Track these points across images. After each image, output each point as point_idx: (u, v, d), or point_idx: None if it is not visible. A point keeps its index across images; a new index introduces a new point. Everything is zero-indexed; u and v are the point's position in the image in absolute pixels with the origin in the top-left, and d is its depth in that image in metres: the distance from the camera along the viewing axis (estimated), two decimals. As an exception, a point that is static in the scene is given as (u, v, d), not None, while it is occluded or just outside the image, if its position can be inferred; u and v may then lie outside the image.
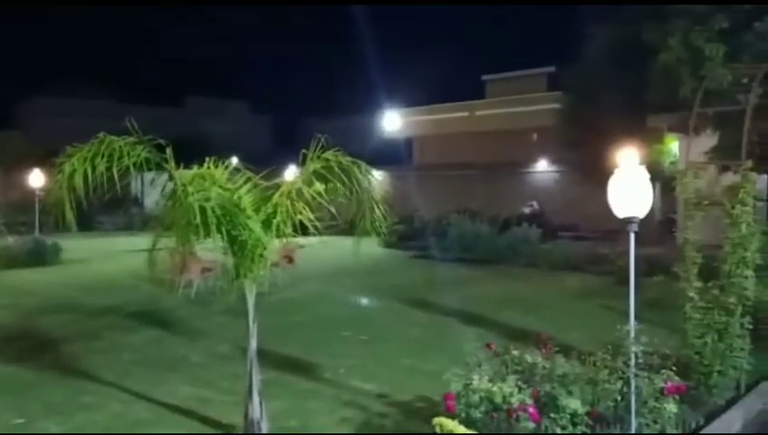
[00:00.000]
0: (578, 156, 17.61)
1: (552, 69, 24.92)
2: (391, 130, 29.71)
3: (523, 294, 11.73)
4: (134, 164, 4.43)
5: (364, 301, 11.25)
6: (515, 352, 4.93)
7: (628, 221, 4.52)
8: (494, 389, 4.00)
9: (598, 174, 18.15)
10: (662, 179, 11.54)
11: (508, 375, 4.41)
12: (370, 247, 19.52)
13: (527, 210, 22.30)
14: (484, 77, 28.38)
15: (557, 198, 22.88)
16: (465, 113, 27.36)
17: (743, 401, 5.67)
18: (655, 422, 4.52)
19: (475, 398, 4.05)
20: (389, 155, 30.12)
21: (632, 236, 4.59)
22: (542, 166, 24.74)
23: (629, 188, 4.43)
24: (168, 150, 4.51)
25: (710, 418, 5.33)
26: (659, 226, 15.45)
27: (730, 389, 5.84)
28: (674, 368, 4.74)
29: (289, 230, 4.84)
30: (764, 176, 15.82)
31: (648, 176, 4.52)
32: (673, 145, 17.20)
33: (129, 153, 4.40)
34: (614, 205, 4.51)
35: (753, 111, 9.45)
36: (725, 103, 8.98)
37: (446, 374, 4.49)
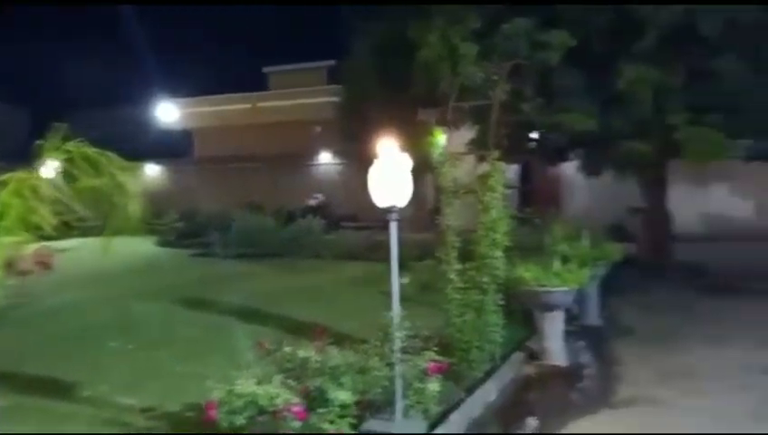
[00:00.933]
0: (356, 148, 18.13)
1: (331, 63, 25.37)
2: (168, 121, 28.04)
3: (306, 285, 11.75)
4: None
5: (134, 305, 10.37)
6: (287, 349, 4.81)
7: (388, 210, 4.62)
8: (260, 391, 3.82)
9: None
10: (433, 170, 12.32)
11: (277, 374, 4.27)
12: (145, 247, 18.33)
13: (312, 202, 22.56)
14: (266, 69, 27.97)
15: (340, 189, 23.42)
16: (248, 105, 26.74)
17: (498, 372, 6.20)
18: (419, 402, 4.70)
19: (240, 403, 3.84)
20: (170, 148, 28.44)
21: (393, 225, 4.71)
22: (326, 158, 25.17)
23: (389, 178, 4.53)
24: None
25: (470, 390, 5.74)
26: (431, 213, 16.52)
27: (487, 361, 6.35)
28: (435, 348, 4.99)
29: (42, 232, 4.20)
30: (514, 166, 17.81)
31: (408, 165, 4.66)
32: (441, 137, 18.50)
33: None
34: (374, 195, 4.59)
35: (501, 106, 10.46)
36: (480, 99, 9.79)
37: (217, 379, 4.22)
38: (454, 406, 5.26)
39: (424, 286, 9.10)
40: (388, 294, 9.80)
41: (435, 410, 4.93)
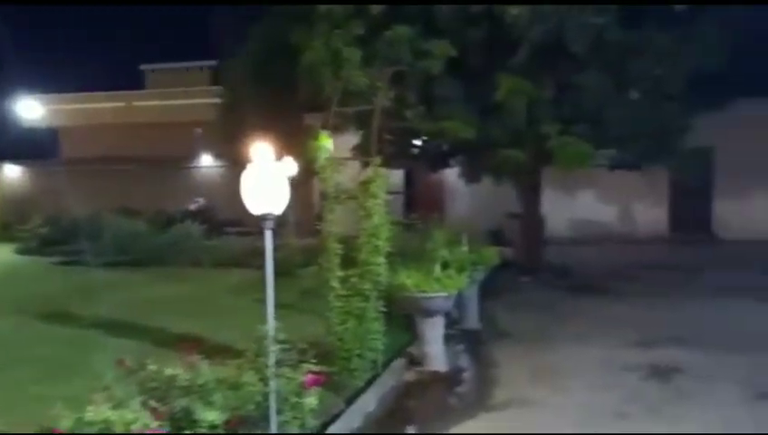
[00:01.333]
0: (238, 152, 17.61)
1: (213, 63, 24.54)
2: (31, 119, 25.87)
3: (183, 295, 11.19)
4: None
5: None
6: (152, 367, 4.48)
7: (263, 218, 4.42)
8: (114, 417, 3.49)
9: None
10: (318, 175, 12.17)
11: (138, 396, 3.93)
12: (2, 255, 16.76)
13: (193, 207, 21.70)
14: (143, 67, 26.59)
15: (223, 193, 22.63)
16: (122, 104, 25.27)
17: (378, 380, 6.14)
18: (295, 418, 4.53)
19: (93, 430, 3.48)
20: (34, 148, 26.21)
21: (268, 233, 4.51)
22: (208, 161, 24.29)
23: (263, 184, 4.33)
24: None
25: (350, 401, 5.64)
26: (317, 218, 16.33)
27: (369, 370, 6.29)
28: (314, 360, 4.84)
29: None
30: (399, 171, 18.06)
31: (288, 171, 4.49)
32: (328, 142, 18.37)
33: None
34: (248, 201, 4.37)
35: (385, 112, 10.51)
36: (363, 104, 9.78)
37: (71, 403, 3.82)
38: (332, 419, 5.13)
39: (307, 293, 8.94)
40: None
41: (312, 424, 4.77)
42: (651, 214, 17.58)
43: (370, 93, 9.76)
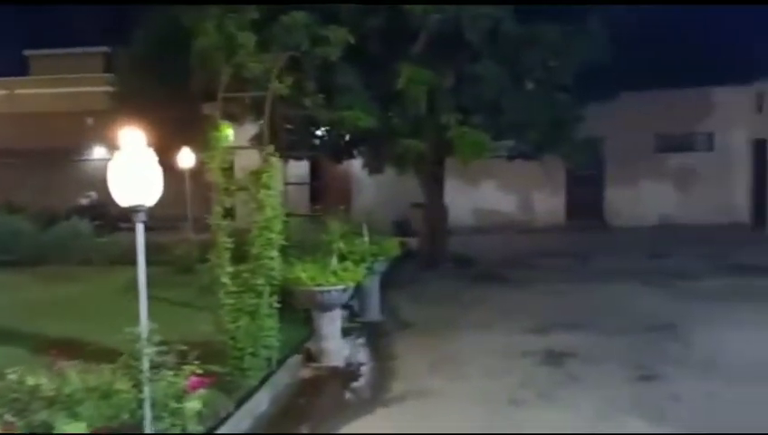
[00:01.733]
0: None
1: (106, 49, 23.17)
2: None
3: (69, 295, 10.44)
4: None
5: None
6: (12, 376, 4.06)
7: (134, 210, 4.09)
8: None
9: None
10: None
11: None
12: None
13: (85, 201, 20.42)
14: (27, 52, 24.70)
15: (118, 187, 21.49)
16: (4, 91, 23.42)
17: (272, 379, 5.90)
18: (173, 425, 4.23)
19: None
20: None
21: (140, 226, 4.19)
22: (101, 153, 22.92)
23: (132, 174, 3.99)
24: None
25: (242, 402, 5.37)
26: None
27: (264, 368, 6.03)
28: (197, 361, 4.55)
29: None
30: (305, 162, 17.76)
31: (155, 160, 4.15)
32: (228, 132, 17.77)
33: None
34: (116, 193, 4.02)
35: (283, 100, 10.20)
36: (260, 91, 9.44)
37: None
38: (219, 422, 4.85)
39: (205, 289, 8.54)
40: (165, 300, 9.07)
41: (196, 429, 4.49)
42: (549, 203, 18.21)
43: (267, 80, 9.45)
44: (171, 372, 4.42)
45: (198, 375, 4.52)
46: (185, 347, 4.29)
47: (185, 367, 4.48)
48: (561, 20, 10.06)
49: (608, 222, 17.86)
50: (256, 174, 6.23)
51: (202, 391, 4.81)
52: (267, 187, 6.21)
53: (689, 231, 15.85)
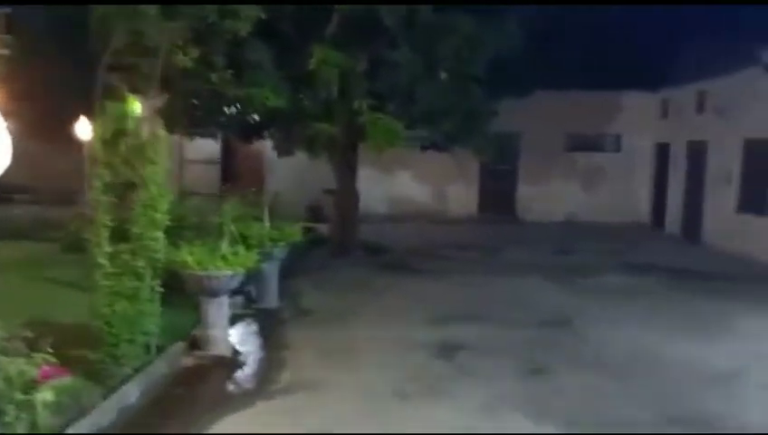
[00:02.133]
0: (29, 111, 15.61)
1: (7, 10, 21.48)
2: None
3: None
4: None
5: None
6: None
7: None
8: None
9: (51, 132, 16.31)
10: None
11: None
12: None
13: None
14: None
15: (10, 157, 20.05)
16: None
17: (148, 368, 5.53)
18: (21, 418, 3.84)
19: None
20: None
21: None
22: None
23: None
24: None
25: (110, 392, 4.99)
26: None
27: (142, 356, 5.65)
28: (51, 349, 4.15)
29: None
30: (216, 141, 17.14)
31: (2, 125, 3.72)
32: (136, 105, 16.88)
33: None
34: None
35: (188, 73, 9.67)
36: (163, 64, 8.91)
37: None
38: (79, 414, 4.46)
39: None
40: (51, 280, 8.42)
41: (49, 422, 4.10)
42: (463, 194, 18.37)
43: (170, 51, 8.92)
44: (22, 360, 4.03)
45: (51, 364, 4.14)
46: (30, 334, 3.89)
47: (36, 355, 4.09)
48: (477, 13, 10.03)
49: (519, 216, 18.21)
50: (140, 148, 5.78)
51: (66, 380, 4.44)
52: (153, 162, 5.79)
53: (594, 229, 16.39)
